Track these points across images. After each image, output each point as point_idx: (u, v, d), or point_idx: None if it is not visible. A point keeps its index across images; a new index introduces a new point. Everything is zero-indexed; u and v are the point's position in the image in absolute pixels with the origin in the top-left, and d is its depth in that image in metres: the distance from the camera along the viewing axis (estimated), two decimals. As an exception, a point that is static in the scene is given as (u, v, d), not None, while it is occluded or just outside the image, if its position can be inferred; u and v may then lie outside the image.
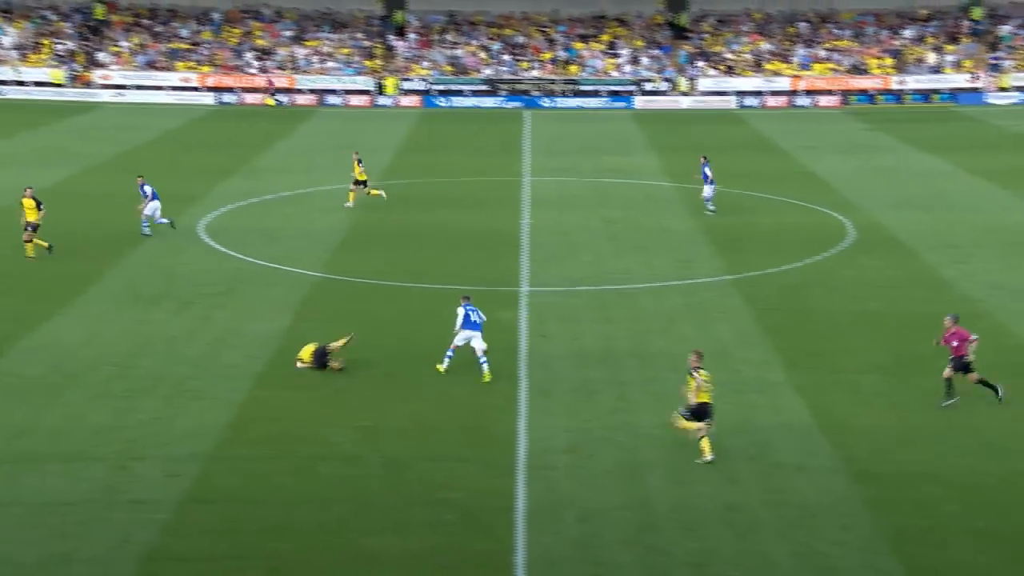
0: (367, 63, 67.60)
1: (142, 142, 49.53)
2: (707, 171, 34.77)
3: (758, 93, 65.56)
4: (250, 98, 64.67)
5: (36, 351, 21.98)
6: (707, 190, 34.77)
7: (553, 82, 66.36)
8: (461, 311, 21.23)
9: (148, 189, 31.98)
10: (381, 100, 65.31)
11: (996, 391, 19.60)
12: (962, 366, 19.41)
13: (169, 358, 21.89)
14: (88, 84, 64.46)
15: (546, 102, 65.34)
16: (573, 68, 67.49)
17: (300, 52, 68.12)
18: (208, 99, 64.41)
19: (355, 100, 65.01)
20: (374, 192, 36.50)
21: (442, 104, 65.10)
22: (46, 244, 29.05)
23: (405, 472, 17.27)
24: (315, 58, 67.78)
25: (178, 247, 30.72)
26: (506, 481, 16.91)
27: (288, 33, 69.84)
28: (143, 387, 20.39)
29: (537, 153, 48.61)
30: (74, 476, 16.86)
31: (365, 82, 66.08)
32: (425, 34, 70.24)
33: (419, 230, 33.32)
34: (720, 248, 31.21)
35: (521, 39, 70.00)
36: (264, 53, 67.96)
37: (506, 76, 66.91)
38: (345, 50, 68.56)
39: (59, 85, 63.98)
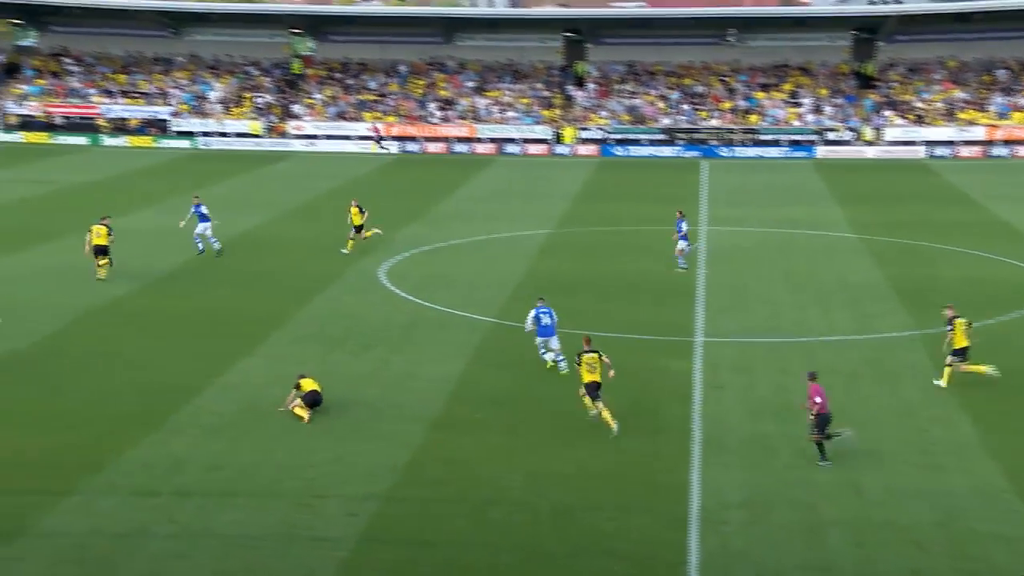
0: (545, 113, 68.68)
1: (329, 189, 51.68)
2: (682, 226, 33.91)
3: (950, 143, 63.13)
4: (432, 147, 66.65)
5: (229, 389, 23.10)
6: (681, 244, 33.76)
7: (732, 131, 65.74)
8: (533, 313, 23.56)
9: (203, 210, 34.94)
10: (559, 149, 66.15)
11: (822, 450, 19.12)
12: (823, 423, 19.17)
13: (350, 399, 22.63)
14: (283, 135, 67.83)
15: (724, 152, 64.74)
16: (753, 117, 66.71)
17: (481, 102, 69.83)
18: (392, 147, 66.72)
19: (533, 149, 66.07)
20: (368, 234, 36.23)
21: (619, 153, 65.39)
22: (107, 265, 31.33)
23: (574, 520, 17.26)
24: (495, 108, 69.36)
25: (361, 291, 31.83)
26: (678, 534, 16.67)
27: (470, 84, 71.77)
28: (325, 427, 21.13)
29: (714, 203, 48.14)
30: (261, 511, 17.59)
31: (543, 131, 67.12)
32: (604, 84, 70.88)
33: (593, 278, 33.46)
34: (904, 301, 30.08)
35: (701, 88, 69.74)
36: (446, 103, 70.02)
37: (684, 125, 66.71)
38: (525, 100, 69.89)
39: (257, 136, 67.61)
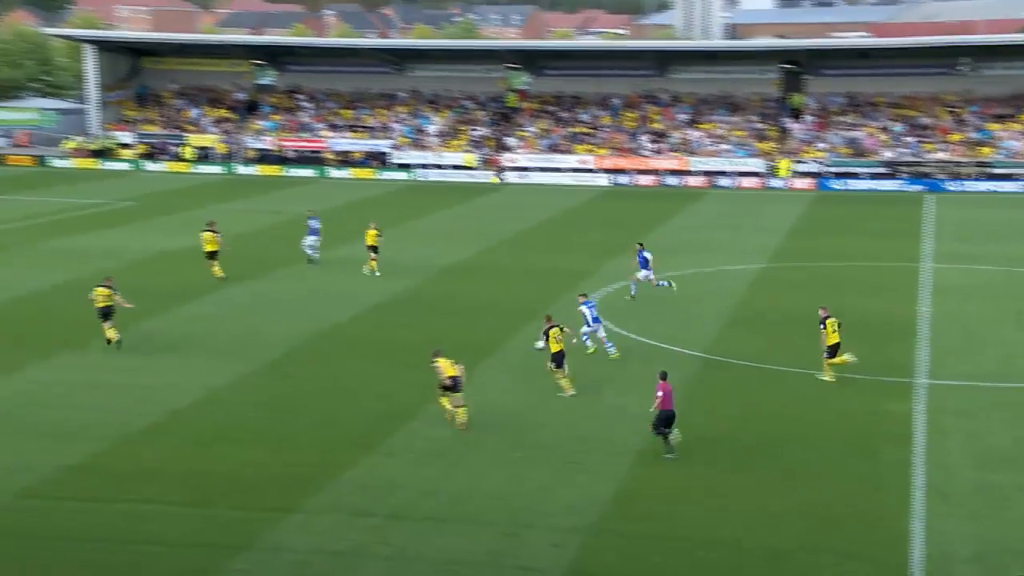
0: (760, 145, 67.39)
1: (540, 220, 52.38)
2: (645, 255, 33.78)
3: None
4: (643, 180, 66.57)
5: (442, 416, 23.67)
6: (641, 274, 33.44)
7: (961, 164, 62.50)
8: (585, 310, 27.18)
9: (315, 224, 39.28)
10: (773, 182, 64.72)
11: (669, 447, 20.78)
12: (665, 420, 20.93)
13: (558, 429, 22.75)
14: (497, 166, 69.36)
15: (952, 186, 61.63)
16: (986, 150, 63.21)
17: (694, 135, 69.24)
18: (603, 180, 67.07)
19: (746, 182, 64.92)
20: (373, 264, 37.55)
21: (837, 187, 63.33)
22: (222, 274, 33.41)
23: (787, 563, 16.70)
24: (708, 140, 68.62)
25: (569, 322, 31.98)
26: (897, 586, 15.85)
27: (683, 116, 71.32)
28: (535, 456, 21.31)
29: (941, 238, 45.84)
30: (470, 538, 17.88)
31: (757, 164, 65.84)
32: (822, 116, 68.92)
33: (808, 314, 32.40)
34: None
35: (927, 120, 66.72)
36: (659, 136, 69.81)
37: (908, 158, 63.93)
38: (739, 132, 68.82)
39: (471, 168, 69.41)
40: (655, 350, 28.89)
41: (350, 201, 58.75)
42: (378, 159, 71.10)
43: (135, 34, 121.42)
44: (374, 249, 37.96)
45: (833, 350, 25.36)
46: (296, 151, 72.27)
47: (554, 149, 69.94)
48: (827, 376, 25.54)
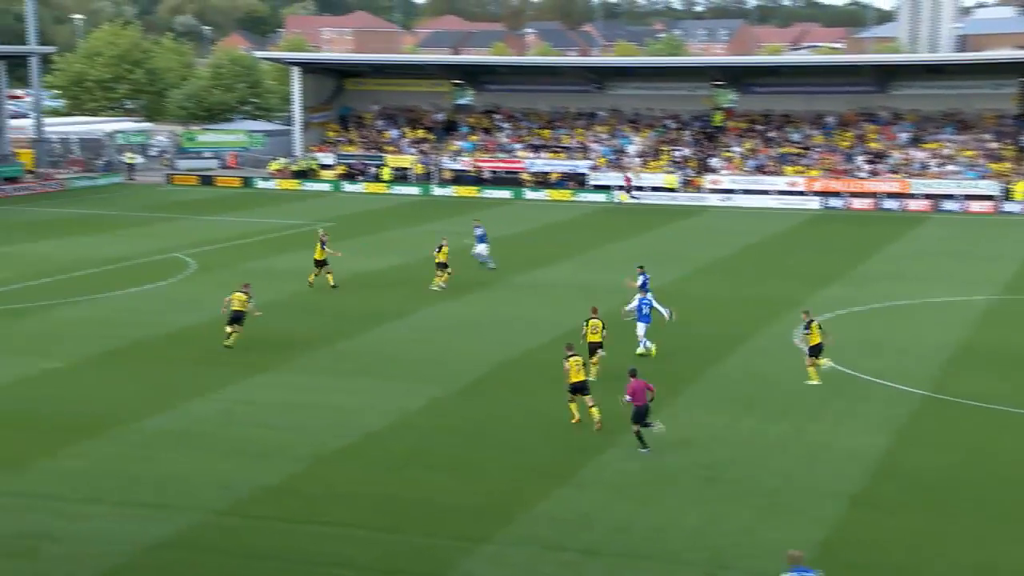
0: (993, 166, 64.11)
1: (745, 245, 51.46)
2: (644, 279, 33.40)
3: None
4: (857, 203, 64.43)
5: (636, 447, 23.52)
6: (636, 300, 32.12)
7: None
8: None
9: (480, 231, 43.39)
10: (1007, 206, 61.42)
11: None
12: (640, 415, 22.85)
13: (760, 467, 22.22)
14: (698, 189, 68.69)
15: None
16: None
17: (917, 155, 66.57)
18: (814, 203, 65.32)
19: (976, 206, 61.87)
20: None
21: (1080, 210, 59.54)
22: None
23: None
24: (933, 161, 65.80)
25: (774, 353, 31.26)
26: None
27: (905, 135, 68.70)
28: (734, 494, 20.88)
29: None
30: None
31: (989, 186, 62.64)
32: (1063, 133, 65.04)
33: (1045, 352, 30.52)
34: None
35: None
36: (877, 156, 67.48)
37: None
38: (968, 152, 65.70)
39: (672, 190, 68.97)
40: (867, 385, 27.83)
41: (547, 223, 59.39)
42: (576, 180, 71.65)
43: (338, 56, 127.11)
44: (444, 266, 39.85)
45: (817, 350, 27.61)
46: (493, 172, 73.70)
47: (761, 170, 68.66)
48: (814, 380, 27.56)
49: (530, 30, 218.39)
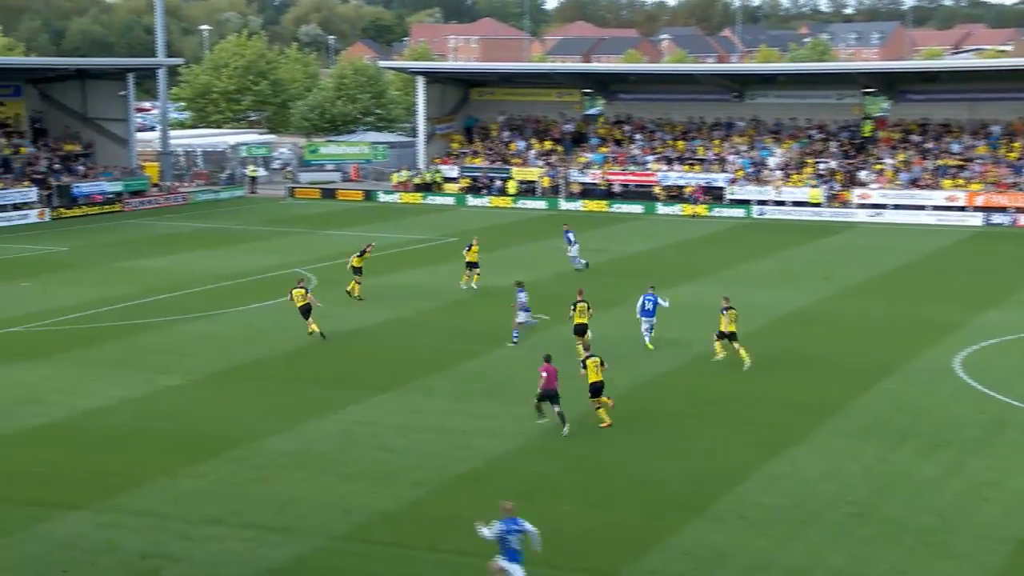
0: None
1: (897, 264, 50.15)
2: (658, 301, 34.37)
3: None
4: (1024, 219, 62.25)
5: (777, 480, 23.10)
6: (644, 323, 34.44)
7: None
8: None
9: (571, 236, 47.74)
10: None
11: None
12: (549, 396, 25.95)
13: (914, 505, 21.58)
14: (845, 204, 67.25)
15: None
16: None
17: (1091, 166, 63.99)
18: (975, 219, 63.31)
19: None
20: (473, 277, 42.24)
21: None
22: (357, 294, 40.02)
23: None
24: (1108, 173, 63.12)
25: (930, 382, 30.35)
26: None
27: (1081, 144, 66.10)
28: (885, 533, 20.31)
29: None
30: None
31: None
32: None
33: None
34: None
35: None
36: (1045, 168, 65.07)
37: None
38: None
39: (816, 205, 67.67)
40: (1036, 420, 26.77)
41: (681, 240, 58.94)
42: (712, 194, 70.95)
43: (464, 64, 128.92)
44: (474, 265, 43.10)
45: (730, 336, 31.90)
46: (623, 185, 73.53)
47: (916, 184, 66.85)
48: (719, 355, 32.06)
49: (665, 36, 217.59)
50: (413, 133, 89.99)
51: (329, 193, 78.10)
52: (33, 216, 64.47)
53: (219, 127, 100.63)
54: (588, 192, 73.61)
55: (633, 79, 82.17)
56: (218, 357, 33.32)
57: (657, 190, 72.15)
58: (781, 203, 68.56)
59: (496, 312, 39.59)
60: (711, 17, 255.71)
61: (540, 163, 76.88)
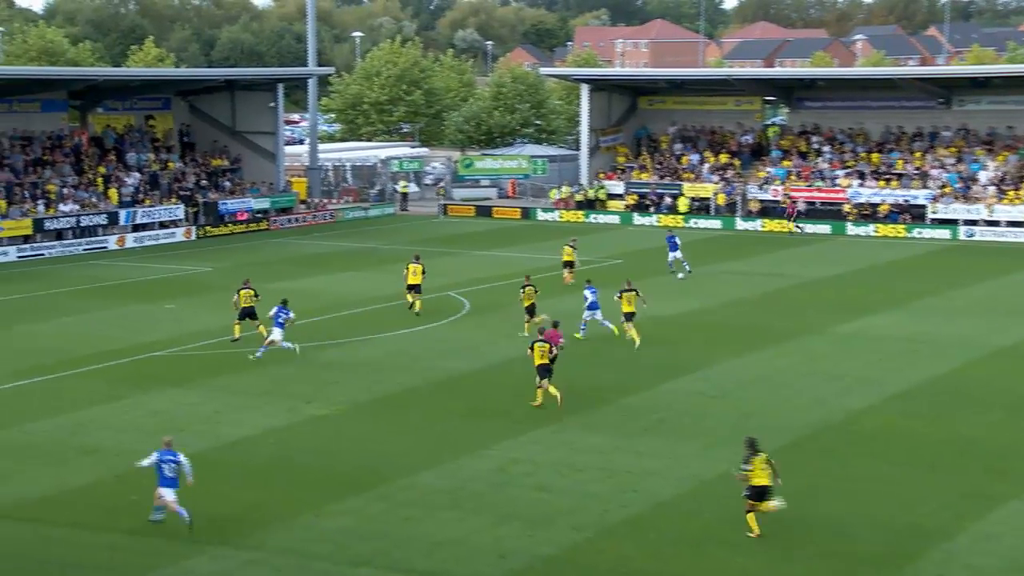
0: None
1: None
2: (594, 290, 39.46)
3: None
4: None
5: (990, 539, 22.38)
6: (586, 314, 39.22)
7: None
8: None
9: (676, 240, 52.40)
10: None
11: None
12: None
13: None
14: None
15: None
16: None
17: None
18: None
19: None
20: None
21: None
22: (415, 310, 43.10)
23: None
24: None
25: None
26: None
27: None
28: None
29: None
30: None
31: None
32: None
33: None
34: None
35: None
36: None
37: None
38: None
39: (1034, 225, 65.27)
40: None
41: (873, 264, 57.69)
42: (911, 213, 69.15)
43: (632, 71, 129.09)
44: (571, 264, 49.23)
45: (630, 317, 38.22)
46: (808, 203, 72.32)
47: None
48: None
49: (859, 36, 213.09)
50: (575, 146, 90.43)
51: (484, 211, 79.10)
52: (180, 234, 67.18)
53: (369, 140, 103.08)
54: (768, 210, 72.62)
55: (822, 85, 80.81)
56: (366, 386, 34.09)
57: (847, 208, 70.74)
58: (994, 223, 66.37)
59: (665, 342, 39.44)
60: (913, 14, 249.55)
61: (714, 178, 76.31)
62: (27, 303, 47.60)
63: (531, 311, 39.57)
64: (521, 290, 39.87)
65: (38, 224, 61.70)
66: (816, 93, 79.87)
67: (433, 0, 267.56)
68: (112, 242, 63.92)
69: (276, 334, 36.75)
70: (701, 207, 74.69)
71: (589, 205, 77.40)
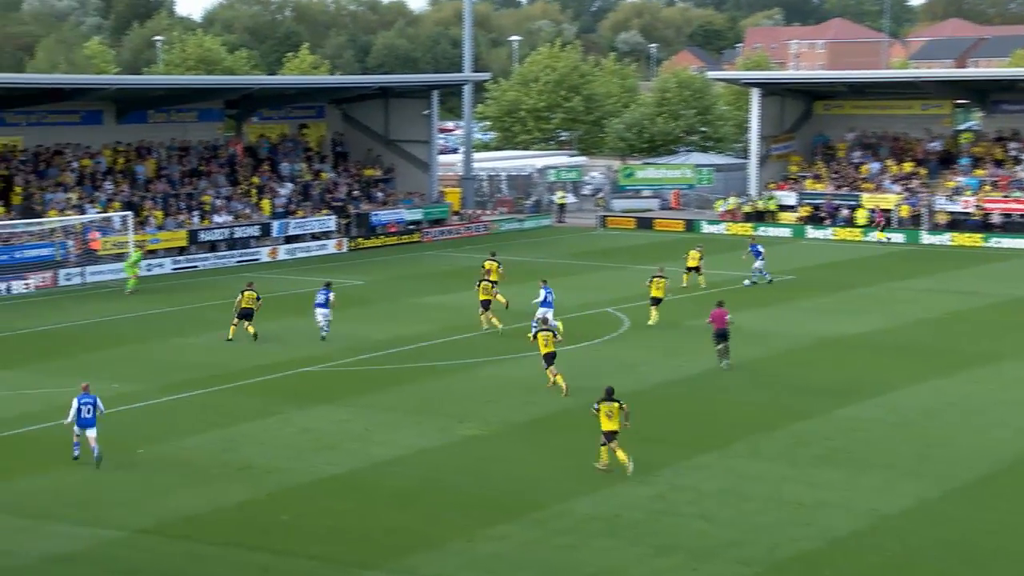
0: None
1: None
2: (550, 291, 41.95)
3: None
4: None
5: None
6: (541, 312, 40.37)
7: None
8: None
9: (760, 248, 53.37)
10: None
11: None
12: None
13: None
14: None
15: None
16: None
17: None
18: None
19: None
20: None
21: None
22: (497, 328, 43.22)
23: None
24: None
25: None
26: None
27: None
28: None
29: None
30: None
31: None
32: None
33: None
34: None
35: None
36: None
37: None
38: None
39: None
40: None
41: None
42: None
43: (808, 73, 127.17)
44: (696, 270, 51.88)
45: (485, 305, 42.68)
46: (1005, 215, 70.15)
47: None
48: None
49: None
50: (744, 154, 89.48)
51: (646, 223, 78.81)
52: (331, 246, 68.65)
53: (526, 148, 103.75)
54: (958, 223, 70.70)
55: (1022, 86, 78.29)
56: (520, 405, 34.29)
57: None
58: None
59: (840, 365, 38.75)
60: None
61: (897, 188, 74.63)
62: (180, 316, 49.23)
63: (486, 306, 42.86)
64: (477, 284, 43.88)
65: (192, 235, 63.83)
66: (1015, 95, 77.38)
67: (595, 2, 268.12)
68: (264, 254, 65.70)
69: (318, 315, 41.98)
70: (882, 220, 72.73)
71: (758, 217, 76.48)
